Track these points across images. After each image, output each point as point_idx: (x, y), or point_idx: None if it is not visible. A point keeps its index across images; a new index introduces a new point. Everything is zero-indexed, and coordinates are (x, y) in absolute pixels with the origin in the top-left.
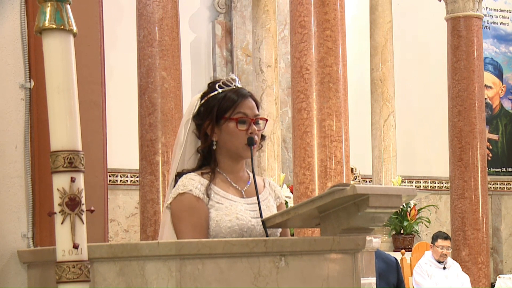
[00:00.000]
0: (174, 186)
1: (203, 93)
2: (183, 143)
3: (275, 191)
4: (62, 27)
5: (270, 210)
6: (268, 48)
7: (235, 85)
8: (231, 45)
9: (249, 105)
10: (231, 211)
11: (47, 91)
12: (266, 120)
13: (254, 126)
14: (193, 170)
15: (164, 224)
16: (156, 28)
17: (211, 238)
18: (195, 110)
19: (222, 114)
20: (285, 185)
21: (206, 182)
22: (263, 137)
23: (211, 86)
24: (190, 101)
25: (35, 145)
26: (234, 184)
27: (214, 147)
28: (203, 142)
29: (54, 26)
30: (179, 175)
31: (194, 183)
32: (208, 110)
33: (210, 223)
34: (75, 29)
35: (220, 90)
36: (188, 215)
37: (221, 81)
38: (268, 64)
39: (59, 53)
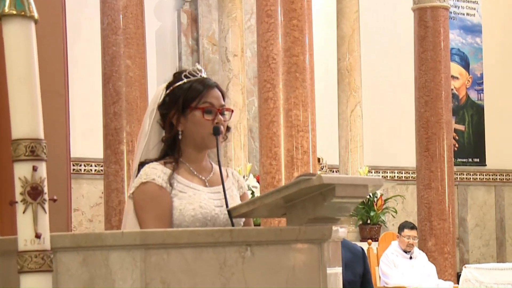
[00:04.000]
0: (137, 175)
1: (169, 83)
2: (147, 132)
3: (239, 181)
4: (23, 13)
5: (233, 199)
6: (235, 37)
7: (201, 75)
8: (197, 34)
9: (215, 95)
10: (195, 199)
11: (7, 79)
12: (232, 111)
13: (220, 116)
14: (156, 160)
15: (127, 213)
16: (121, 16)
17: (175, 227)
18: (160, 100)
19: (188, 104)
20: (251, 175)
21: (169, 171)
22: (228, 129)
23: (177, 76)
24: (155, 91)
25: None
26: (197, 174)
27: (180, 137)
28: (168, 132)
29: (14, 12)
30: (141, 164)
31: (157, 172)
32: (173, 100)
33: (174, 212)
34: (36, 15)
35: (185, 80)
36: (151, 205)
37: (187, 71)
38: (234, 54)
39: (20, 40)
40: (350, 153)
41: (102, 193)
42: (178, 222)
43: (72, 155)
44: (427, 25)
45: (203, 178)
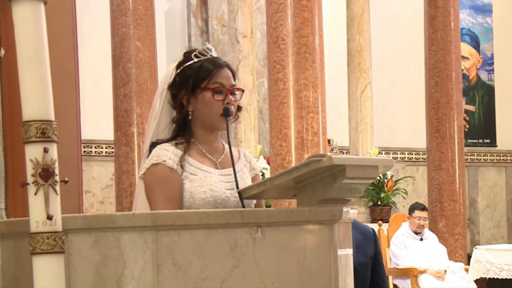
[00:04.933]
0: (148, 156)
1: (179, 62)
2: (158, 113)
3: (250, 162)
4: None
5: (244, 181)
6: (244, 18)
7: (211, 55)
8: (206, 15)
9: (225, 75)
10: (205, 182)
11: (18, 60)
12: (243, 90)
13: (230, 97)
14: (167, 141)
15: (138, 195)
16: None
17: (185, 209)
18: (171, 80)
19: (198, 84)
20: (261, 157)
21: (180, 152)
22: (239, 108)
23: (187, 56)
24: (166, 70)
25: (6, 114)
26: (208, 155)
27: (190, 117)
28: (179, 112)
29: None
30: (153, 145)
31: (168, 153)
32: (183, 80)
33: (184, 194)
34: None
35: (196, 60)
36: (161, 186)
37: (197, 50)
38: (244, 35)
39: (30, 21)
40: (360, 134)
41: (113, 175)
42: (188, 205)
43: (82, 137)
44: (437, 5)
45: (215, 160)
